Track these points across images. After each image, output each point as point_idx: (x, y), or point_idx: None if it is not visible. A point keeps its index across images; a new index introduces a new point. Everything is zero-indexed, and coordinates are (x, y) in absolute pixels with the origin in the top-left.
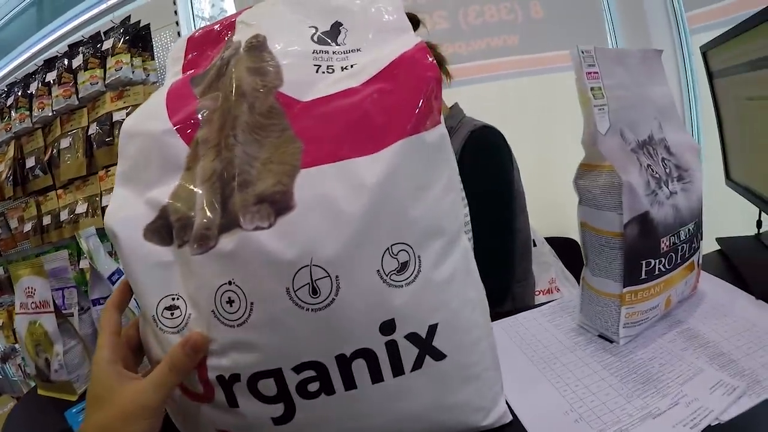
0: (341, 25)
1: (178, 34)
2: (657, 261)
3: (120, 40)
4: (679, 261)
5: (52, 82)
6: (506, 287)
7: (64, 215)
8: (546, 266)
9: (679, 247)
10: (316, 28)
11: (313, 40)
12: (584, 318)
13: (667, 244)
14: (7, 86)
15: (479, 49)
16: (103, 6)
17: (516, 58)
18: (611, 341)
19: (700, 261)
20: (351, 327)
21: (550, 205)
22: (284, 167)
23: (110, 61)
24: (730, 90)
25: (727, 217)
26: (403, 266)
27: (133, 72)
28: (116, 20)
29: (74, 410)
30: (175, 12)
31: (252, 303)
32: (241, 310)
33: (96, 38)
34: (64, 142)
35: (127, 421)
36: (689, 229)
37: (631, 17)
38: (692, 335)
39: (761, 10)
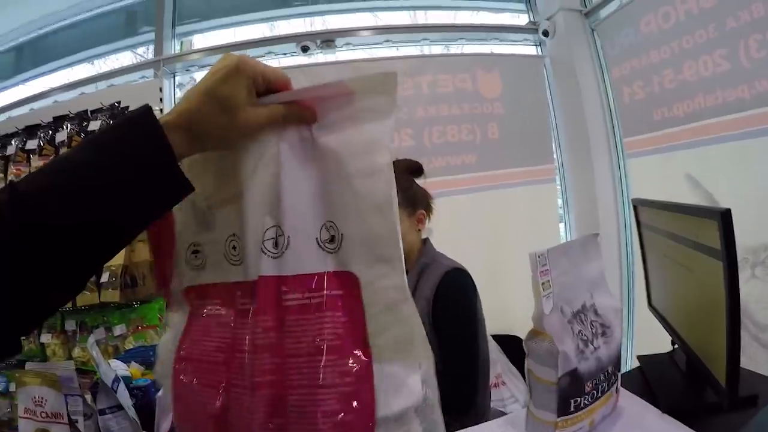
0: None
1: None
2: (582, 398)
3: (107, 123)
4: (599, 395)
5: (32, 150)
6: (471, 400)
7: None
8: (492, 362)
9: (600, 386)
10: None
11: None
12: None
13: (591, 385)
14: None
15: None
16: (85, 71)
17: (473, 175)
18: None
19: (619, 386)
20: None
21: (497, 306)
22: None
23: None
24: (653, 241)
25: (652, 332)
26: None
27: None
28: (104, 100)
29: None
30: (161, 99)
31: None
32: None
33: (82, 116)
34: None
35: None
36: (608, 371)
37: (576, 139)
38: None
39: (688, 205)
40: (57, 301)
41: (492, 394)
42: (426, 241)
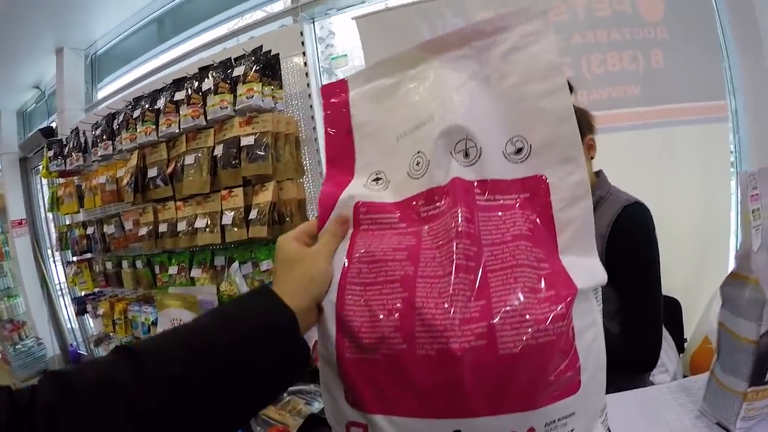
0: None
1: (305, 63)
2: None
3: (252, 68)
4: None
5: (180, 101)
6: (657, 353)
7: (181, 226)
8: None
9: None
10: None
11: None
12: (707, 406)
13: None
14: (134, 99)
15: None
16: (225, 30)
17: (637, 110)
18: (727, 430)
19: None
20: None
21: None
22: None
23: (241, 88)
24: None
25: None
26: None
27: (263, 100)
28: (247, 48)
29: None
30: (302, 43)
31: None
32: None
33: (226, 64)
34: (188, 159)
35: (312, 282)
36: None
37: (752, 67)
38: None
39: None
40: None
41: None
42: (600, 173)
